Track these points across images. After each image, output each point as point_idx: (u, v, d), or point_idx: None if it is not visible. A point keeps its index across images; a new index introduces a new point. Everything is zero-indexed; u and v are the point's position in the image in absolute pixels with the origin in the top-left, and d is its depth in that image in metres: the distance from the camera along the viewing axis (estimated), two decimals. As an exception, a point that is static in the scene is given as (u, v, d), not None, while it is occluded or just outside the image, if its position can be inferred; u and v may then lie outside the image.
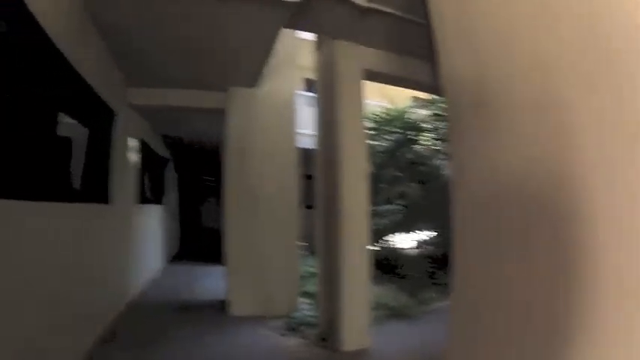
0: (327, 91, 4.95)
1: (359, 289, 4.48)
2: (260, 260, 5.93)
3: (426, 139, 8.00)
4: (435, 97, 7.45)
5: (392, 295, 6.29)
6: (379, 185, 7.45)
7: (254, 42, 4.61)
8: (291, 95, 6.42)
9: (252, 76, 5.67)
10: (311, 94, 10.11)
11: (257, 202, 6.00)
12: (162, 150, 9.92)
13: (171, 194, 12.31)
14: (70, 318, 3.79)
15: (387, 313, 5.62)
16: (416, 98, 8.60)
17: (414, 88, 5.81)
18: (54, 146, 3.53)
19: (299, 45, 6.66)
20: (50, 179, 3.47)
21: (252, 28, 4.28)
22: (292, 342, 4.80)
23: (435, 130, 7.81)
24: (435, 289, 6.64)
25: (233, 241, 6.00)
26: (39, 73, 3.11)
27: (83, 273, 4.23)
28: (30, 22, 2.79)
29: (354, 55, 4.69)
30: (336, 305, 4.51)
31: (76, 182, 4.20)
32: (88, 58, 4.16)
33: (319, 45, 5.24)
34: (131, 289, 6.45)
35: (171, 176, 12.29)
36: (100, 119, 4.80)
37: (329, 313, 4.75)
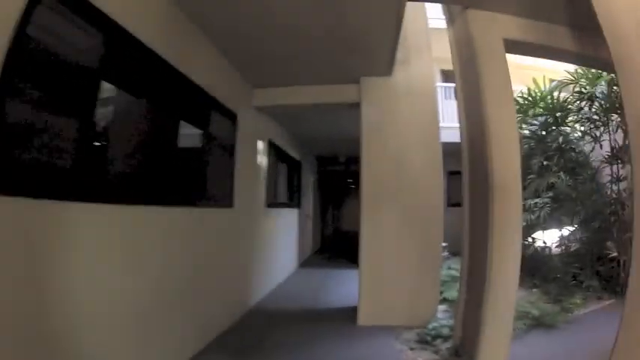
0: (467, 70, 4.40)
1: (505, 296, 3.78)
2: (397, 264, 5.45)
3: (572, 122, 7.28)
4: (580, 71, 6.76)
5: (533, 300, 5.64)
6: (527, 176, 6.83)
7: (379, 20, 4.23)
8: (431, 83, 5.89)
9: (384, 62, 5.28)
10: (448, 84, 9.78)
11: (396, 201, 5.54)
12: (296, 152, 10.03)
13: (309, 196, 12.40)
14: (181, 320, 3.90)
15: (528, 323, 5.00)
16: (555, 80, 7.68)
17: (562, 59, 5.23)
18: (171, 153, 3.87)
19: (431, 33, 6.13)
20: (167, 184, 3.75)
21: (373, 3, 3.92)
22: (421, 357, 4.27)
23: (579, 111, 7.03)
24: (580, 294, 5.93)
25: (368, 244, 5.56)
26: (157, 87, 3.59)
27: (198, 277, 4.26)
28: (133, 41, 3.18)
29: (492, 24, 4.08)
30: (476, 314, 3.88)
31: (196, 186, 4.35)
32: (198, 63, 4.30)
33: (451, 19, 4.68)
34: (256, 294, 6.35)
35: (310, 178, 12.50)
36: (219, 123, 4.84)
37: (468, 323, 4.21)
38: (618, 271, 6.11)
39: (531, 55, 4.78)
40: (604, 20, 2.83)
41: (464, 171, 4.62)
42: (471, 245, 4.45)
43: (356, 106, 5.82)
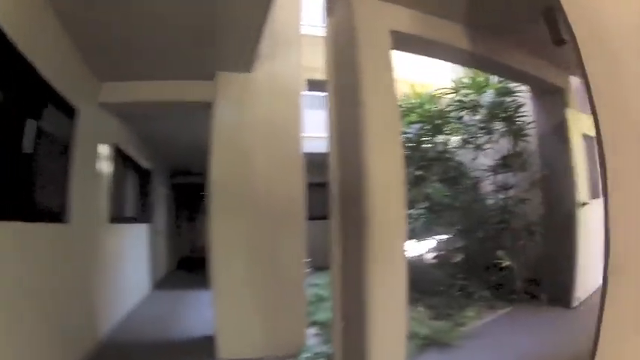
0: (344, 69, 3.73)
1: (394, 315, 3.26)
2: (256, 286, 4.74)
3: (452, 130, 7.02)
4: (466, 80, 6.60)
5: (419, 317, 5.21)
6: None
7: (245, 5, 3.66)
8: (297, 84, 5.27)
9: (245, 55, 4.59)
10: (313, 93, 9.17)
11: (252, 214, 4.82)
12: (147, 160, 8.85)
13: (162, 211, 11.23)
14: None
15: (420, 343, 4.57)
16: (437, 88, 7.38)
17: (454, 60, 4.94)
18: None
19: (301, 39, 5.45)
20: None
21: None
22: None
23: (459, 119, 6.81)
24: (471, 306, 5.64)
25: (220, 264, 4.77)
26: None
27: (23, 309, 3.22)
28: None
29: (379, 14, 3.53)
30: (360, 338, 3.25)
31: (20, 196, 3.27)
32: (37, 39, 3.31)
33: (330, 8, 4.03)
34: (103, 324, 5.33)
35: (162, 190, 11.27)
36: (53, 118, 3.79)
37: (350, 349, 3.57)
38: (511, 280, 6.03)
39: (420, 53, 4.37)
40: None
41: (332, 180, 3.92)
42: (345, 260, 3.77)
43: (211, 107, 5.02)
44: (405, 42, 3.77)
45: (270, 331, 4.68)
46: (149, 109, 5.83)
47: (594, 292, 5.82)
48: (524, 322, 5.31)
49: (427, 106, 6.92)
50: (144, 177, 8.80)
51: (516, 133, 6.23)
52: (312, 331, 5.12)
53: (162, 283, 10.18)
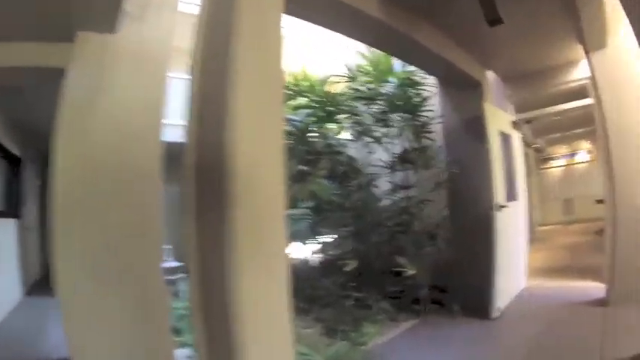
0: (218, 30, 2.78)
1: (278, 335, 2.53)
2: (109, 304, 3.63)
3: (343, 121, 6.13)
4: (368, 68, 5.82)
5: (307, 336, 4.40)
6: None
7: None
8: (165, 55, 4.19)
9: (109, 10, 3.64)
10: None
11: (99, 212, 3.69)
12: (15, 146, 7.65)
13: (33, 204, 9.74)
14: None
15: None
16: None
17: (366, 37, 4.43)
18: None
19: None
20: None
21: None
22: None
23: (354, 109, 5.94)
24: (370, 319, 4.87)
25: (67, 281, 3.65)
26: None
27: None
28: None
29: None
30: None
31: None
32: None
33: None
34: None
35: (35, 181, 10.05)
36: None
37: None
38: (414, 289, 5.39)
39: (321, 22, 3.74)
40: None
41: (187, 175, 2.99)
42: (203, 268, 2.83)
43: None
44: (302, 3, 3.08)
45: (131, 356, 3.66)
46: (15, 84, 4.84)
47: (514, 300, 5.60)
48: (436, 336, 4.77)
49: (319, 90, 5.85)
50: (12, 165, 7.71)
51: (419, 127, 5.72)
52: (185, 352, 4.10)
53: (36, 288, 8.77)
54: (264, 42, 2.63)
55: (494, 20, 3.68)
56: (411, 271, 5.07)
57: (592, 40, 4.80)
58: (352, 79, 5.96)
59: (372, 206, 5.88)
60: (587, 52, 4.98)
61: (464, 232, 5.47)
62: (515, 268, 5.86)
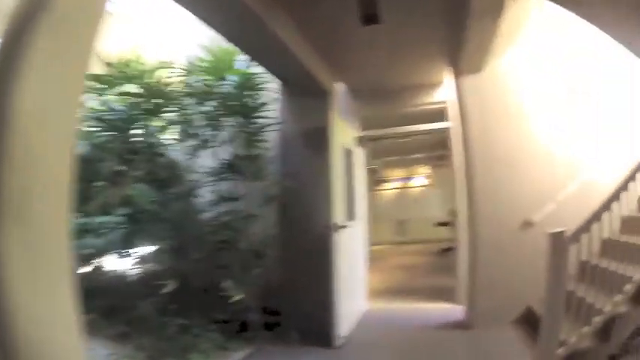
0: None
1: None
2: None
3: (169, 119, 5.08)
4: (205, 64, 4.93)
5: None
6: (91, 185, 4.33)
7: None
8: None
9: None
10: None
11: None
12: None
13: None
14: None
15: None
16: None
17: (215, 22, 3.57)
18: None
19: None
20: None
21: None
22: None
23: (183, 107, 4.99)
24: (195, 349, 4.16)
25: None
26: None
27: None
28: None
29: None
30: None
31: None
32: None
33: None
34: None
35: None
36: None
37: None
38: (243, 314, 4.69)
39: None
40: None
41: None
42: None
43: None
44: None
45: None
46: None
47: (358, 325, 5.27)
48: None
49: (148, 78, 4.85)
50: None
51: (253, 133, 5.03)
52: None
53: None
54: (77, 13, 1.75)
55: (370, 16, 3.35)
56: (237, 295, 4.31)
57: (469, 64, 4.73)
58: (189, 72, 5.06)
59: (193, 218, 5.02)
60: (457, 76, 4.91)
61: (298, 252, 4.95)
62: (355, 291, 5.52)
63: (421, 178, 16.21)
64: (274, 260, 4.96)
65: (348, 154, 5.56)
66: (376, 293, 6.80)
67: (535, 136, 4.85)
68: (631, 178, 3.42)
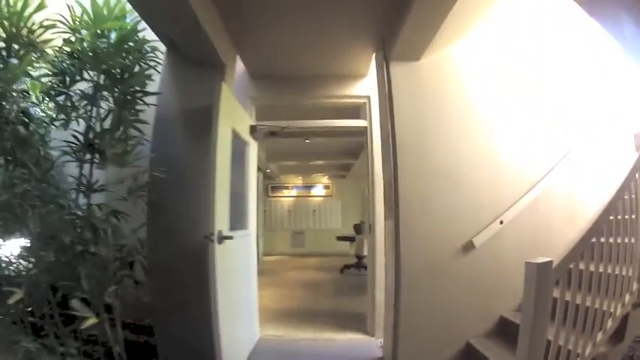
0: None
1: None
2: None
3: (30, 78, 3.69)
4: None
5: None
6: None
7: None
8: None
9: None
10: None
11: None
12: None
13: None
14: None
15: None
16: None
17: None
18: None
19: None
20: None
21: None
22: None
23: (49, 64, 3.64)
24: None
25: None
26: None
27: None
28: None
29: None
30: None
31: None
32: None
33: None
34: None
35: None
36: None
37: None
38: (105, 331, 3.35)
39: None
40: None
41: None
42: None
43: None
44: None
45: None
46: None
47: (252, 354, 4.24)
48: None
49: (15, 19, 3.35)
50: None
51: (125, 105, 3.65)
52: None
53: None
54: None
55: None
56: (89, 319, 3.06)
57: (406, 48, 3.86)
58: (65, 23, 3.59)
59: (53, 207, 3.54)
60: (388, 61, 4.03)
61: (170, 265, 3.78)
62: (244, 316, 4.34)
63: (320, 187, 15.56)
64: (145, 273, 3.70)
65: (241, 146, 4.47)
66: (272, 316, 5.78)
67: (479, 141, 4.02)
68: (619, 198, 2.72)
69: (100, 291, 3.27)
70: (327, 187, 15.57)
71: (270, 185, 15.26)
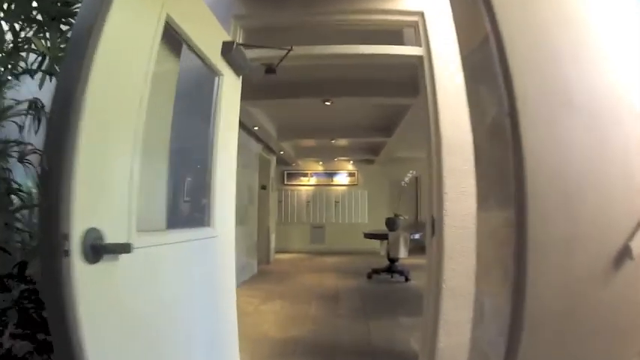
0: None
1: None
2: None
3: None
4: None
5: None
6: None
7: None
8: None
9: None
10: None
11: None
12: None
13: None
14: None
15: None
16: None
17: None
18: None
19: None
20: None
21: None
22: None
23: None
24: None
25: None
26: None
27: None
28: None
29: None
30: None
31: None
32: None
33: None
34: None
35: None
36: None
37: None
38: None
39: None
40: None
41: None
42: None
43: None
44: None
45: None
46: None
47: None
48: None
49: None
50: None
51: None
52: None
53: None
54: None
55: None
56: None
57: None
58: None
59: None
60: None
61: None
62: None
63: (344, 175, 13.67)
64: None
65: (201, 75, 2.45)
66: (271, 352, 3.87)
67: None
68: None
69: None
70: (351, 174, 13.69)
71: (285, 172, 13.51)
